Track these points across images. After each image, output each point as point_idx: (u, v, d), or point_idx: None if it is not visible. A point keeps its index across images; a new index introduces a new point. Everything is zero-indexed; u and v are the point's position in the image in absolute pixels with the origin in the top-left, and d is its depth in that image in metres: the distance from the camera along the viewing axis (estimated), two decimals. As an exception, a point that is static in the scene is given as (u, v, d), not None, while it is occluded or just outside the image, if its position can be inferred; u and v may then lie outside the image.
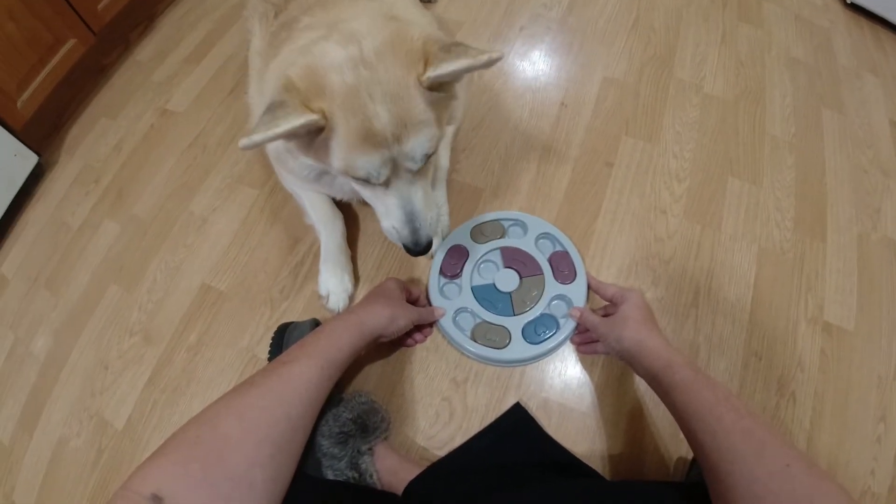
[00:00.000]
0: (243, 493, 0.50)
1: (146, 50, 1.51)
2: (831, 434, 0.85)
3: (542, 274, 0.96)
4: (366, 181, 0.67)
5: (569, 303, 0.93)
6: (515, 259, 0.97)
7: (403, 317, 0.82)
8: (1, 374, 1.11)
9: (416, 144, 0.64)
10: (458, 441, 0.86)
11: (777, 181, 1.10)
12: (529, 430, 0.85)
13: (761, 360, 0.91)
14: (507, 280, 0.96)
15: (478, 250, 0.99)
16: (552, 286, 0.94)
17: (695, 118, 1.18)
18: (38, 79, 1.27)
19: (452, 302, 0.95)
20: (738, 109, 1.20)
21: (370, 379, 0.92)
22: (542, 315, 0.92)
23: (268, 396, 0.59)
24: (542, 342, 0.90)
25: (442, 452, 0.85)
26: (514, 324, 0.92)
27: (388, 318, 0.79)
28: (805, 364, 0.90)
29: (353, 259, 1.03)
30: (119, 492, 0.46)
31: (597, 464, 0.82)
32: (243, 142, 0.56)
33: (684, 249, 1.01)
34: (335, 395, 0.82)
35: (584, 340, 0.91)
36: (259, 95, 0.83)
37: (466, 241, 1.00)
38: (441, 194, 1.04)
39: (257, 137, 0.56)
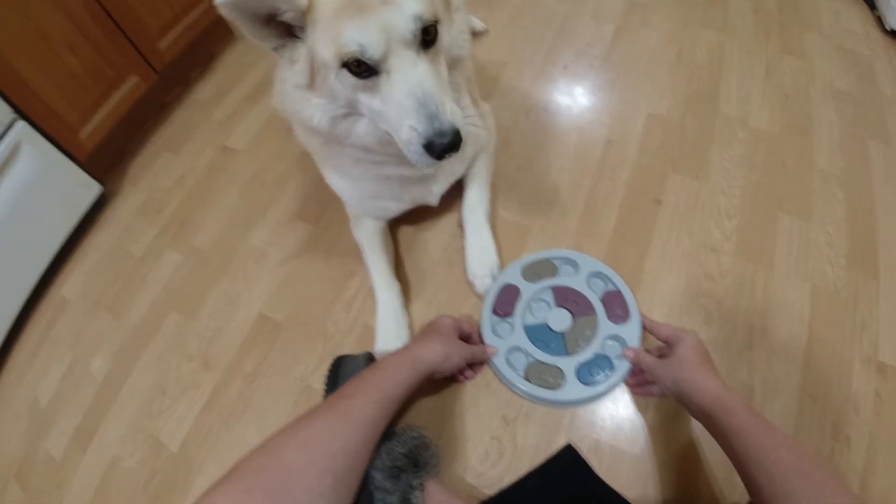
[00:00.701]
0: None
1: (206, 89, 1.59)
2: (885, 477, 0.82)
3: (596, 313, 0.95)
4: (363, 69, 0.60)
5: (623, 343, 0.92)
6: (568, 298, 0.98)
7: (457, 355, 0.84)
8: (58, 391, 1.16)
9: (405, 3, 0.58)
10: (508, 480, 0.85)
11: (827, 216, 1.08)
12: (581, 473, 0.84)
13: (816, 402, 0.88)
14: (560, 319, 0.96)
15: (529, 289, 1.00)
16: (606, 326, 0.94)
17: (742, 153, 1.17)
18: (101, 112, 1.35)
19: (505, 341, 0.95)
20: (785, 143, 1.19)
21: (421, 414, 0.93)
22: (596, 356, 0.91)
23: (329, 429, 0.61)
24: (596, 383, 0.90)
25: (491, 491, 0.85)
26: (568, 364, 0.91)
27: (442, 355, 0.80)
28: (859, 406, 0.88)
29: (405, 291, 1.05)
30: None
31: (649, 510, 0.81)
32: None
33: (737, 288, 1.00)
34: (388, 429, 0.84)
35: (639, 382, 0.90)
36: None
37: (518, 280, 1.01)
38: (467, 101, 0.93)
39: None
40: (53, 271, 1.34)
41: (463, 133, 0.63)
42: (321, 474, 0.56)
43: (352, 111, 0.69)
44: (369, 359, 0.91)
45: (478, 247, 1.05)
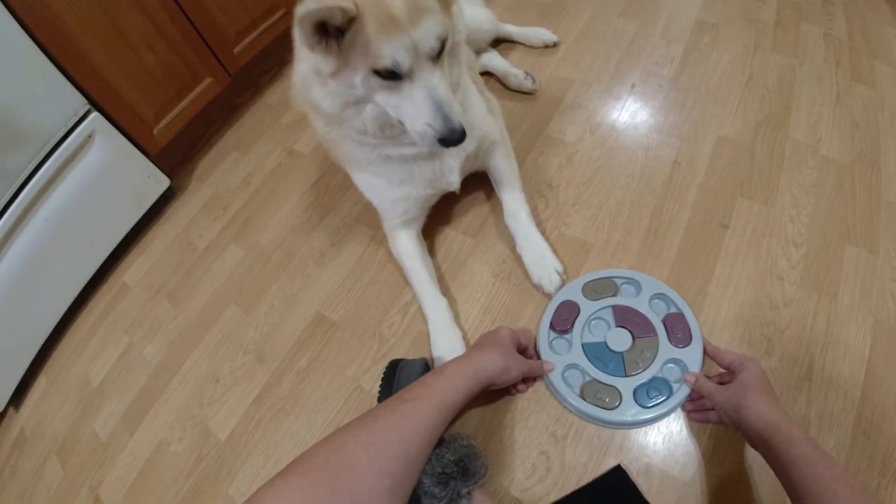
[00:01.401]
0: None
1: (275, 94, 1.66)
2: None
3: (657, 336, 0.94)
4: (391, 76, 0.72)
5: (683, 367, 0.90)
6: (628, 319, 0.96)
7: (516, 368, 0.84)
8: (111, 373, 1.21)
9: (429, 26, 0.70)
10: (553, 497, 0.85)
11: (893, 251, 1.04)
12: (628, 495, 0.83)
13: (869, 438, 0.85)
14: (620, 339, 0.95)
15: (589, 307, 0.99)
16: (666, 349, 0.92)
17: (812, 181, 1.13)
18: (175, 111, 1.41)
19: (562, 357, 0.95)
20: (855, 173, 1.15)
21: (470, 423, 0.93)
22: (654, 378, 0.90)
23: (392, 431, 0.62)
24: (653, 406, 0.88)
25: (536, 507, 0.85)
26: (626, 385, 0.90)
27: (502, 367, 0.80)
28: None
29: (453, 306, 1.06)
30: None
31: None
32: (300, 10, 0.63)
33: (800, 319, 0.96)
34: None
35: (697, 408, 0.88)
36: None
37: (578, 297, 1.00)
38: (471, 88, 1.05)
39: (312, 4, 0.63)
40: (117, 258, 1.41)
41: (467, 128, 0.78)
42: (381, 475, 0.57)
43: (362, 100, 0.80)
44: (424, 364, 0.93)
45: (531, 249, 1.06)
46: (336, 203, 1.31)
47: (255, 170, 1.46)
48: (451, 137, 0.76)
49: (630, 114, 1.32)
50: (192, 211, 1.44)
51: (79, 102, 1.18)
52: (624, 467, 0.85)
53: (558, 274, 1.03)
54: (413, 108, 0.75)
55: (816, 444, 0.64)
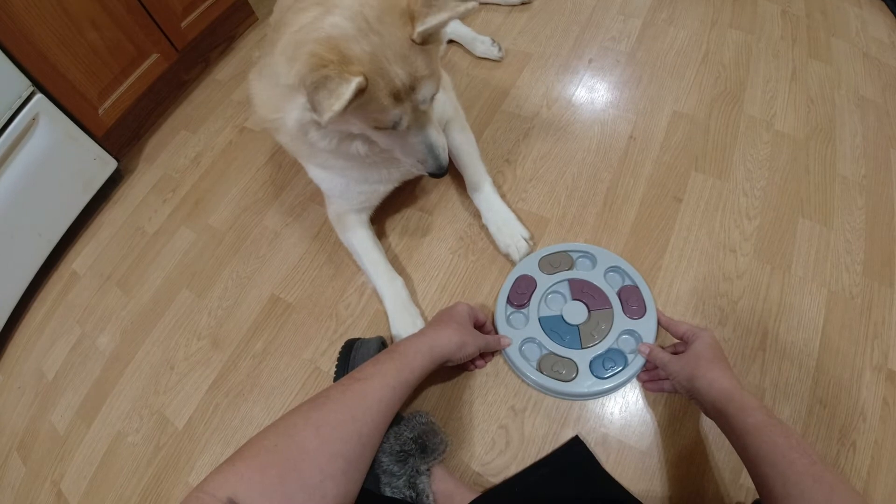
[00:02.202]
0: None
1: (226, 69, 1.59)
2: (886, 486, 0.81)
3: (612, 308, 0.95)
4: (391, 128, 0.77)
5: (638, 338, 0.92)
6: (584, 292, 0.97)
7: (472, 344, 0.83)
8: (64, 365, 1.17)
9: (426, 91, 0.76)
10: (513, 470, 0.85)
11: (847, 223, 1.07)
12: (587, 465, 0.84)
13: (825, 407, 0.88)
14: (576, 312, 0.95)
15: (546, 281, 0.99)
16: (621, 321, 0.93)
17: (766, 155, 1.15)
18: (121, 89, 1.35)
19: (519, 331, 0.95)
20: (809, 148, 1.17)
21: (429, 400, 0.93)
22: (610, 349, 0.91)
23: (343, 412, 0.61)
24: (609, 377, 0.89)
25: (496, 480, 0.85)
26: (582, 357, 0.91)
27: (458, 344, 0.80)
28: (867, 413, 0.87)
29: (417, 282, 1.05)
30: (194, 493, 0.48)
31: (654, 505, 0.80)
32: (326, 116, 0.65)
33: (753, 290, 0.98)
34: (397, 414, 0.83)
35: (652, 378, 0.89)
36: (259, 79, 0.88)
37: (534, 272, 1.00)
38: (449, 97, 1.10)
39: (337, 107, 0.64)
40: (65, 245, 1.35)
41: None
42: (333, 457, 0.56)
43: (356, 136, 0.85)
44: (381, 343, 0.91)
45: (496, 220, 1.06)
46: (290, 180, 1.28)
47: (205, 149, 1.41)
48: (439, 172, 0.86)
49: (587, 89, 1.32)
50: (141, 193, 1.38)
51: (22, 84, 1.12)
52: (582, 438, 0.86)
53: (525, 241, 1.04)
54: (408, 148, 0.83)
55: (771, 413, 0.65)
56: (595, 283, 0.98)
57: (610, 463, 0.85)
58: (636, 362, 0.89)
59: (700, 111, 1.23)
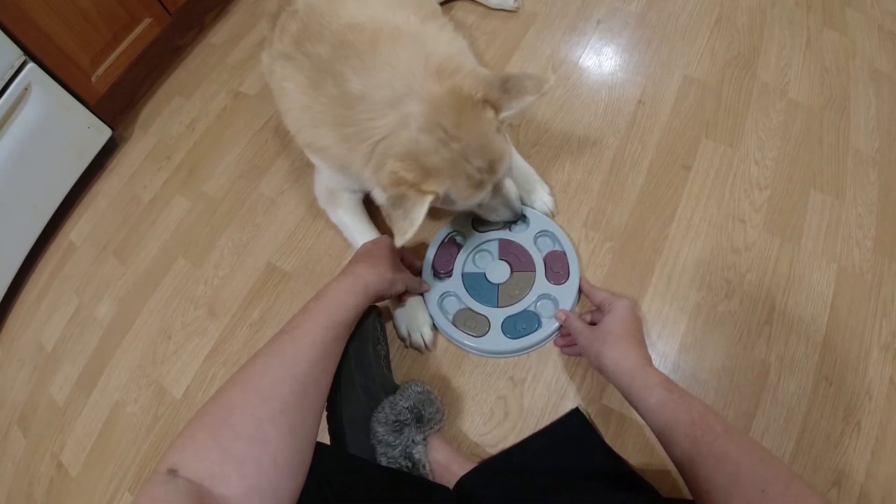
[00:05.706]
0: (259, 449, 0.51)
1: (220, 33, 1.55)
2: (890, 466, 0.80)
3: (535, 271, 0.95)
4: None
5: (555, 303, 0.91)
6: (511, 252, 0.97)
7: (401, 282, 0.85)
8: (63, 336, 1.17)
9: (504, 169, 0.79)
10: (511, 441, 0.85)
11: (859, 197, 1.04)
12: (586, 437, 0.83)
13: (832, 385, 0.86)
14: (499, 272, 0.96)
15: (477, 238, 1.00)
16: (542, 284, 0.93)
17: (779, 124, 1.11)
18: (113, 55, 1.31)
19: (443, 283, 0.97)
20: (823, 119, 1.13)
21: (427, 369, 0.92)
22: (525, 311, 0.92)
23: (270, 361, 0.60)
24: (520, 338, 0.90)
25: (493, 451, 0.84)
26: (496, 315, 0.92)
27: (390, 282, 0.81)
28: (873, 392, 0.85)
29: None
30: (147, 478, 0.48)
31: (652, 478, 0.79)
32: (399, 240, 0.70)
33: (761, 263, 0.96)
34: (393, 384, 0.82)
35: (568, 343, 0.88)
36: (307, 92, 0.83)
37: (466, 228, 1.01)
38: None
39: (410, 233, 0.69)
40: (61, 215, 1.34)
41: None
42: (265, 401, 0.55)
43: None
44: (377, 313, 0.89)
45: (517, 175, 1.02)
46: (286, 146, 1.25)
47: (200, 115, 1.37)
48: (515, 220, 0.94)
49: (594, 51, 1.27)
50: (136, 162, 1.36)
51: (14, 54, 1.09)
52: (582, 410, 0.85)
53: (549, 195, 1.03)
54: (487, 210, 0.88)
55: (674, 388, 0.63)
56: (523, 244, 0.98)
57: (610, 435, 0.84)
58: (549, 326, 0.90)
59: (712, 76, 1.19)
